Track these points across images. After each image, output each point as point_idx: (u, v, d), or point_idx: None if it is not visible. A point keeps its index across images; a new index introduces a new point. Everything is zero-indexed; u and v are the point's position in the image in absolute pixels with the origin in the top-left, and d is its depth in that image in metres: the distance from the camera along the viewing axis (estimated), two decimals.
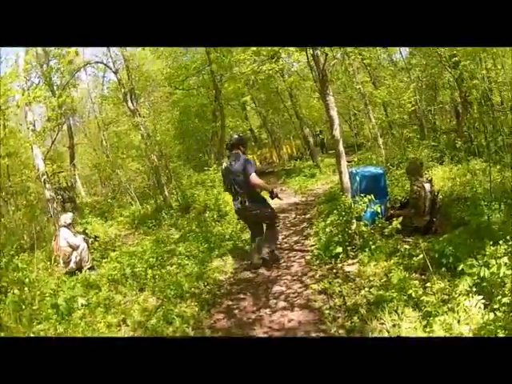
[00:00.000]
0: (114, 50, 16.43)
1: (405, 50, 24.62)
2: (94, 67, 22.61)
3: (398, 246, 7.56)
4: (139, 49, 19.24)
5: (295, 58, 10.11)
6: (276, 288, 7.56)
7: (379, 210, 8.64)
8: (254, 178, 7.98)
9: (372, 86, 21.41)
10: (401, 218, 8.01)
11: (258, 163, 28.10)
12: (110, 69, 16.82)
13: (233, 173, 8.20)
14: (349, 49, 15.01)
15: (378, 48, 21.88)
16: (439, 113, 23.69)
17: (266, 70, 11.77)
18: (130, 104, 15.78)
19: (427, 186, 8.73)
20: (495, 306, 5.07)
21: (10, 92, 12.59)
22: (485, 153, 12.32)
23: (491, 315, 4.89)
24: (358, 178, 9.66)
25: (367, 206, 8.28)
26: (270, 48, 8.64)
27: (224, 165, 8.63)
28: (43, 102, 13.56)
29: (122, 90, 16.02)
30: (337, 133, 8.38)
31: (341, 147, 8.44)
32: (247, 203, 8.19)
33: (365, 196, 8.23)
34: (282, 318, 6.31)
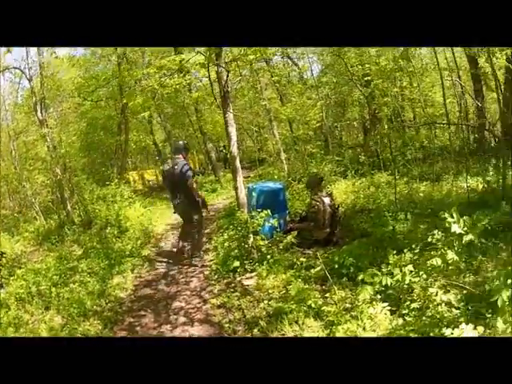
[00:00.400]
0: (32, 55, 15.64)
1: (316, 68, 25.19)
2: (12, 73, 21.59)
3: (296, 259, 7.64)
4: (56, 56, 18.37)
5: (203, 73, 9.98)
6: (176, 304, 7.42)
7: (277, 224, 8.66)
8: (191, 183, 8.86)
9: (279, 102, 21.75)
10: (295, 233, 8.22)
11: (160, 177, 27.87)
12: (25, 75, 15.96)
13: (173, 175, 8.94)
14: (257, 66, 15.12)
15: (288, 65, 22.31)
16: (347, 129, 24.40)
17: (173, 84, 11.60)
18: (39, 113, 14.90)
19: (326, 199, 8.92)
20: (404, 312, 5.18)
21: None
22: (391, 166, 12.60)
23: (400, 320, 5.00)
24: (254, 194, 9.72)
25: (265, 221, 8.29)
26: (177, 62, 8.47)
27: (166, 167, 9.42)
28: None
29: (34, 99, 15.15)
30: (234, 149, 8.36)
31: (237, 163, 8.42)
32: (183, 201, 8.99)
33: (261, 211, 8.26)
34: (184, 334, 6.19)
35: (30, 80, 15.41)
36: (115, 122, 22.40)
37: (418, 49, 21.56)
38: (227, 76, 8.28)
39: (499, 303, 4.19)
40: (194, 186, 9.06)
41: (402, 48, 16.72)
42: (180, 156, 9.11)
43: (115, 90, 21.51)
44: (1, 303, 7.74)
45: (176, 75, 10.70)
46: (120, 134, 21.33)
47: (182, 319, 6.70)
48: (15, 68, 16.97)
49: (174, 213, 9.88)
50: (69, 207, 14.57)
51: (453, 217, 5.12)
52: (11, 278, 9.28)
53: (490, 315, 4.58)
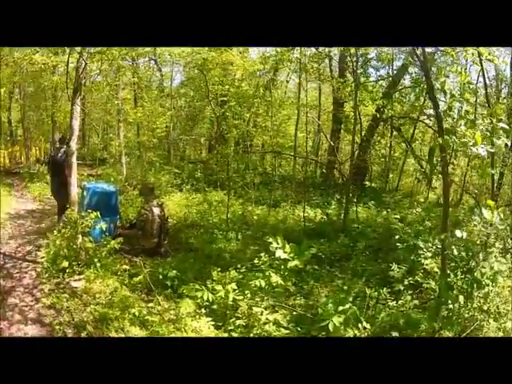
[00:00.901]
0: None
1: (178, 79, 25.10)
2: None
3: (124, 266, 7.59)
4: None
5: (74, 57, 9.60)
6: (11, 300, 6.92)
7: (105, 228, 8.41)
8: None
9: (133, 104, 21.35)
10: (120, 238, 8.03)
11: (7, 161, 26.26)
12: None
13: (56, 161, 9.88)
14: (120, 62, 14.78)
15: (152, 68, 22.12)
16: (192, 143, 24.52)
17: (39, 62, 11.10)
18: None
19: (156, 209, 8.92)
20: (230, 328, 5.30)
21: None
22: (229, 187, 12.87)
23: (226, 335, 5.13)
24: (88, 193, 9.49)
25: (95, 222, 8.11)
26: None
27: (52, 153, 10.38)
28: None
29: None
30: (73, 144, 8.11)
31: (74, 159, 8.16)
32: (59, 183, 9.39)
33: (92, 212, 8.04)
34: (19, 332, 5.84)
35: None
36: None
37: (284, 82, 22.56)
38: (84, 67, 8.08)
39: (330, 327, 4.48)
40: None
41: (267, 77, 17.44)
42: (63, 146, 9.83)
43: None
44: None
45: (45, 55, 10.30)
46: None
47: (17, 317, 6.31)
48: None
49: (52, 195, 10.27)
50: None
51: (278, 242, 5.37)
52: None
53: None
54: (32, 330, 5.90)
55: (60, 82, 18.83)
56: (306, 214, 11.21)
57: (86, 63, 8.07)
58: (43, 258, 8.53)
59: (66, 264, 7.56)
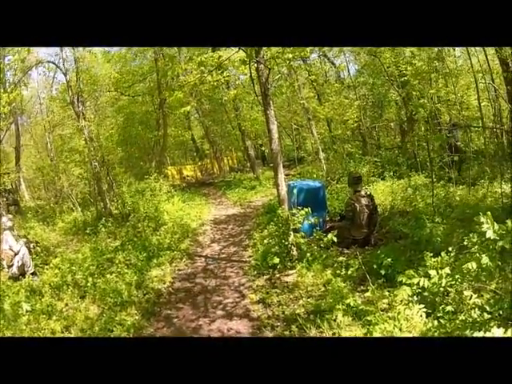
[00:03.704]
0: (66, 50, 15.26)
1: (353, 68, 25.02)
2: (45, 67, 21.70)
3: (336, 258, 7.67)
4: (90, 50, 18.42)
5: (241, 70, 10.04)
6: (215, 298, 7.49)
7: (317, 223, 8.60)
8: None
9: (317, 101, 21.64)
10: (336, 231, 8.01)
11: (198, 173, 27.97)
12: (60, 69, 15.81)
13: None
14: (295, 64, 15.07)
15: (326, 64, 22.26)
16: (384, 130, 24.16)
17: (211, 80, 11.65)
18: (75, 107, 14.98)
19: (364, 199, 8.83)
20: (439, 314, 5.17)
21: None
22: (428, 168, 12.49)
23: (435, 323, 4.98)
24: (295, 191, 9.67)
25: (305, 218, 8.28)
26: (216, 59, 8.59)
27: None
28: None
29: (70, 92, 15.15)
30: (275, 146, 8.38)
31: (279, 160, 8.44)
32: None
33: (302, 208, 8.23)
34: (223, 326, 6.28)
35: (65, 74, 15.40)
36: (153, 117, 22.71)
37: (451, 50, 21.34)
38: (268, 73, 8.35)
39: None
40: None
41: (436, 49, 16.71)
42: None
43: (152, 85, 21.82)
44: (34, 291, 7.95)
45: (214, 72, 10.76)
46: (158, 129, 21.64)
47: (220, 313, 6.80)
48: (49, 62, 17.21)
49: None
50: (107, 200, 14.66)
51: (487, 222, 5.14)
52: (46, 267, 9.50)
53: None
54: (237, 325, 6.26)
55: (238, 94, 19.66)
56: (502, 190, 10.50)
57: (269, 69, 8.35)
58: (251, 256, 8.96)
59: (276, 260, 7.91)
